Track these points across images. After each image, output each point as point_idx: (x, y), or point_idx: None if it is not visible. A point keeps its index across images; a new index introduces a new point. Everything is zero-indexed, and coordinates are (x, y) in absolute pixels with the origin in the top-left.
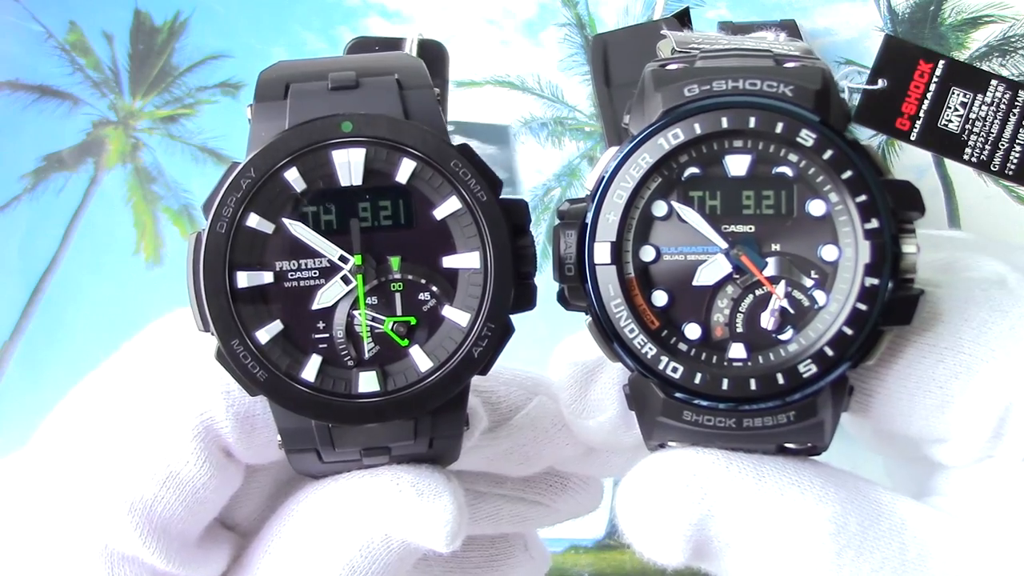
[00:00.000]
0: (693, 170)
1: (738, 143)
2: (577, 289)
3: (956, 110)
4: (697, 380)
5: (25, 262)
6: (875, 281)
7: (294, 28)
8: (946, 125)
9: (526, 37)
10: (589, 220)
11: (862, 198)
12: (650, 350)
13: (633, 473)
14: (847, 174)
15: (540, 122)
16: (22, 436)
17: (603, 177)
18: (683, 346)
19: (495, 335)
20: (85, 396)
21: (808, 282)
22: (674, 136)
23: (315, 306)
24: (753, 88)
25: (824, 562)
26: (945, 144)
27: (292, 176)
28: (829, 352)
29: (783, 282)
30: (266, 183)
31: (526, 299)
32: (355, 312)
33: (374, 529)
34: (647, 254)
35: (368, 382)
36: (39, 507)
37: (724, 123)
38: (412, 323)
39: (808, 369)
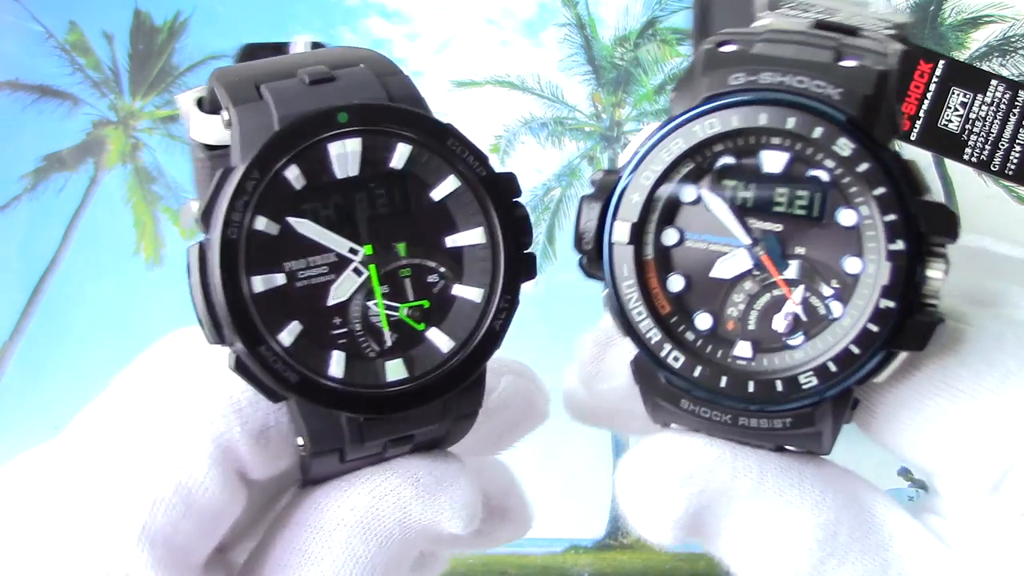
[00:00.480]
0: (727, 160)
1: (776, 140)
2: (595, 261)
3: (956, 110)
4: (696, 373)
5: (25, 262)
6: (891, 304)
7: (294, 28)
8: (946, 125)
9: (526, 37)
10: (614, 197)
11: (891, 217)
12: (655, 335)
13: (636, 452)
14: (880, 190)
15: (540, 122)
16: (22, 436)
17: (637, 154)
18: (690, 335)
19: (512, 307)
20: (93, 421)
21: (827, 291)
22: (710, 126)
23: (331, 302)
24: (800, 87)
25: (806, 567)
26: (945, 144)
27: (293, 174)
28: (832, 368)
29: (802, 287)
30: (269, 184)
31: (529, 269)
32: (370, 303)
33: (395, 525)
34: (669, 237)
35: (396, 370)
36: (48, 533)
37: (762, 120)
38: (426, 306)
39: (808, 381)
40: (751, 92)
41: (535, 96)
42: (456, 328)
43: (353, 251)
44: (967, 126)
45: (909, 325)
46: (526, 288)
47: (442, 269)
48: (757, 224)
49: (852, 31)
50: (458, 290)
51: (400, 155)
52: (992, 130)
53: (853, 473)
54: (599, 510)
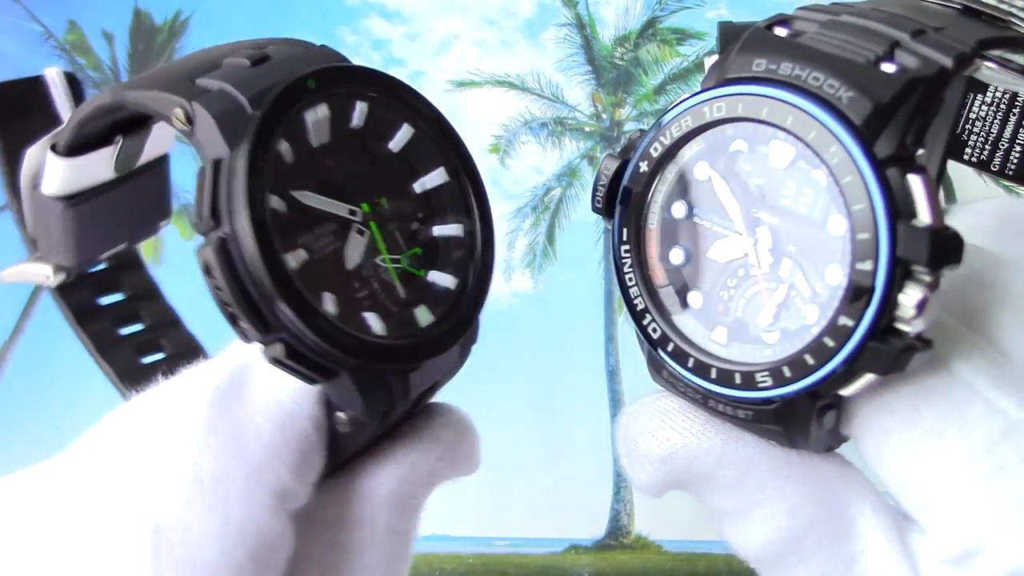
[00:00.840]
0: (740, 145)
1: (783, 134)
2: (607, 217)
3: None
4: (669, 348)
5: None
6: (849, 322)
7: (294, 28)
8: None
9: (526, 37)
10: (631, 161)
11: (863, 235)
12: (640, 303)
13: (635, 409)
14: (858, 206)
15: (540, 122)
16: (22, 436)
17: (658, 122)
18: (676, 310)
19: (492, 235)
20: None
21: (808, 294)
22: (717, 109)
23: (349, 266)
24: (814, 84)
25: (766, 555)
26: (945, 144)
27: (284, 148)
28: (786, 372)
29: (786, 286)
30: (273, 163)
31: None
32: (377, 260)
33: (427, 493)
34: (678, 210)
35: (424, 315)
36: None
37: (764, 113)
38: (419, 253)
39: (764, 380)
40: (762, 82)
41: (535, 96)
42: (450, 266)
43: (352, 212)
44: (967, 126)
45: (868, 347)
46: (526, 288)
47: (420, 215)
48: (758, 214)
49: (996, 20)
50: (439, 231)
51: (360, 113)
52: (992, 130)
53: (853, 476)
54: (599, 510)
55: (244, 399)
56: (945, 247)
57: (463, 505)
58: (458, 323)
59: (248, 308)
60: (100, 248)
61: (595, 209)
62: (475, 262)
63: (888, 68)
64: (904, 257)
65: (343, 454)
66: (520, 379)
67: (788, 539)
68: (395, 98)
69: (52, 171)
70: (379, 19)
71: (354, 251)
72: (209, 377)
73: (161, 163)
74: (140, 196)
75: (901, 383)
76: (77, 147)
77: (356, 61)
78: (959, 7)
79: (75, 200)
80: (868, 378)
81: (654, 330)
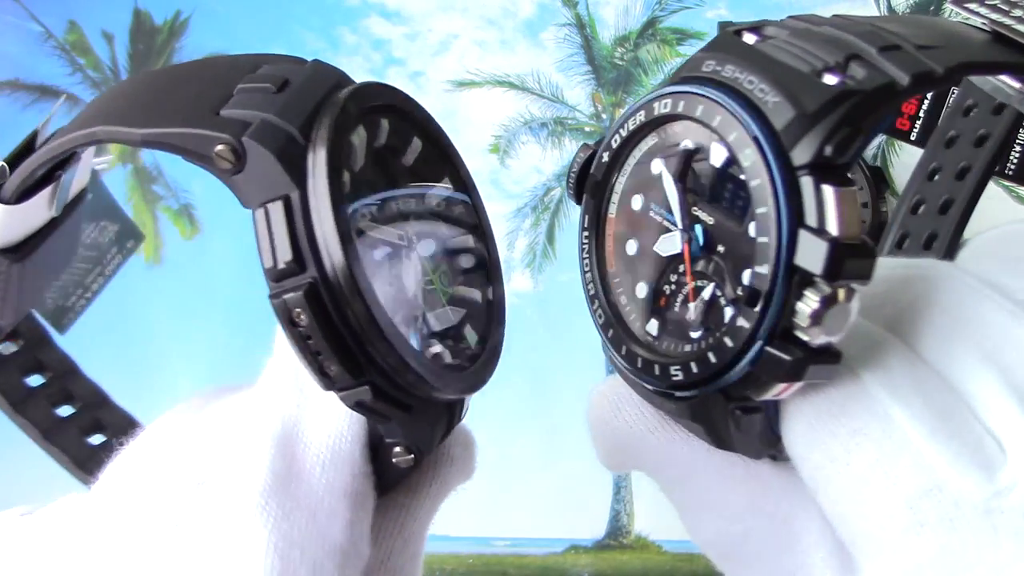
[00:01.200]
0: (687, 142)
1: (715, 133)
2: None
3: None
4: (609, 334)
5: None
6: (745, 324)
7: (294, 28)
8: None
9: (526, 37)
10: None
11: (763, 239)
12: (592, 288)
13: (597, 387)
14: (761, 209)
15: (540, 122)
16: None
17: (623, 113)
18: (623, 299)
19: (495, 244)
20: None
21: (729, 295)
22: (664, 106)
23: (409, 295)
24: (748, 87)
25: (713, 552)
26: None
27: (346, 178)
28: (694, 368)
29: (712, 285)
30: (343, 195)
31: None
32: (424, 285)
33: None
34: (636, 203)
35: (471, 335)
36: None
37: (699, 112)
38: (444, 268)
39: (676, 375)
40: (704, 82)
41: (535, 96)
42: (471, 280)
43: (401, 237)
44: None
45: (765, 352)
46: (526, 288)
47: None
48: (697, 212)
49: None
50: (453, 244)
51: (383, 131)
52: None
53: (803, 492)
54: (599, 510)
55: (303, 482)
56: (847, 260)
57: (463, 505)
58: (496, 339)
59: (343, 354)
60: (33, 303)
61: (569, 195)
62: (488, 272)
63: (830, 79)
64: (801, 265)
65: (386, 490)
66: (520, 379)
67: (730, 543)
68: (403, 111)
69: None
70: (379, 19)
71: (409, 278)
72: (254, 473)
73: (82, 198)
74: (67, 237)
75: (832, 419)
76: (28, 190)
77: (356, 61)
78: (989, 32)
79: (20, 251)
80: (778, 387)
81: (600, 316)
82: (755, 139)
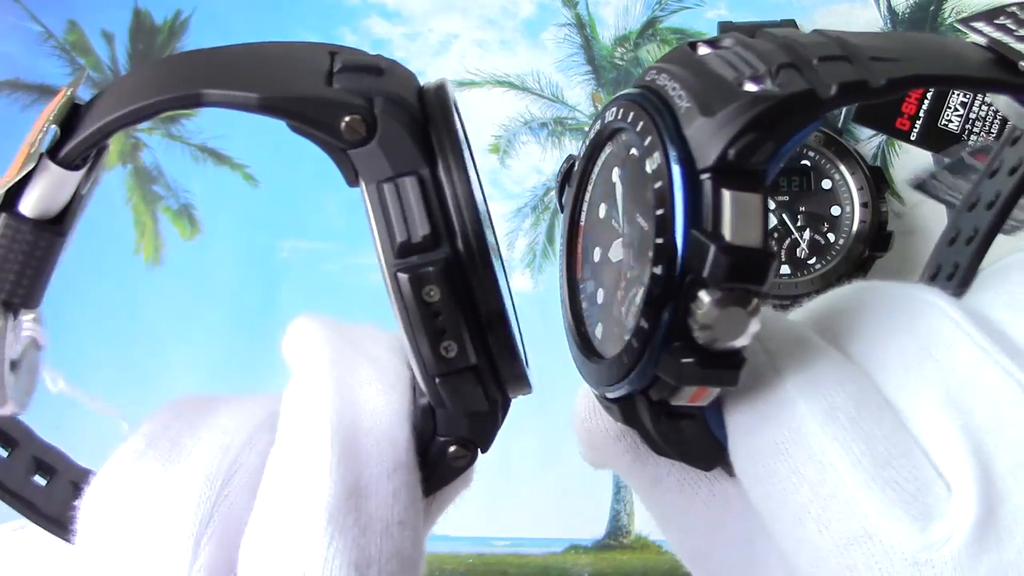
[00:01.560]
0: (634, 151)
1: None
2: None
3: (956, 110)
4: (570, 337)
5: None
6: (644, 325)
7: (294, 28)
8: (946, 125)
9: (526, 37)
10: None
11: (659, 240)
12: (564, 292)
13: (584, 388)
14: (659, 211)
15: (540, 122)
16: None
17: (592, 126)
18: (585, 304)
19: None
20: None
21: (639, 297)
22: (611, 114)
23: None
24: (672, 93)
25: (682, 557)
26: (945, 144)
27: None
28: (613, 369)
29: (643, 289)
30: None
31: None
32: None
33: None
34: (602, 210)
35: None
36: None
37: (630, 118)
38: None
39: (599, 375)
40: (641, 89)
41: (535, 96)
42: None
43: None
44: (967, 126)
45: (662, 355)
46: (526, 288)
47: None
48: (636, 218)
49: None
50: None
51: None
52: (992, 130)
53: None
54: (599, 510)
55: (372, 495)
56: (736, 264)
57: (463, 505)
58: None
59: (472, 332)
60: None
61: (559, 197)
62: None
63: (750, 87)
64: (690, 268)
65: (432, 492)
66: None
67: (695, 555)
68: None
69: (47, 181)
70: (379, 19)
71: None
72: (319, 486)
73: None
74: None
75: (772, 457)
76: (82, 156)
77: None
78: (986, 49)
79: (61, 224)
80: (689, 391)
81: (575, 315)
82: (662, 142)
